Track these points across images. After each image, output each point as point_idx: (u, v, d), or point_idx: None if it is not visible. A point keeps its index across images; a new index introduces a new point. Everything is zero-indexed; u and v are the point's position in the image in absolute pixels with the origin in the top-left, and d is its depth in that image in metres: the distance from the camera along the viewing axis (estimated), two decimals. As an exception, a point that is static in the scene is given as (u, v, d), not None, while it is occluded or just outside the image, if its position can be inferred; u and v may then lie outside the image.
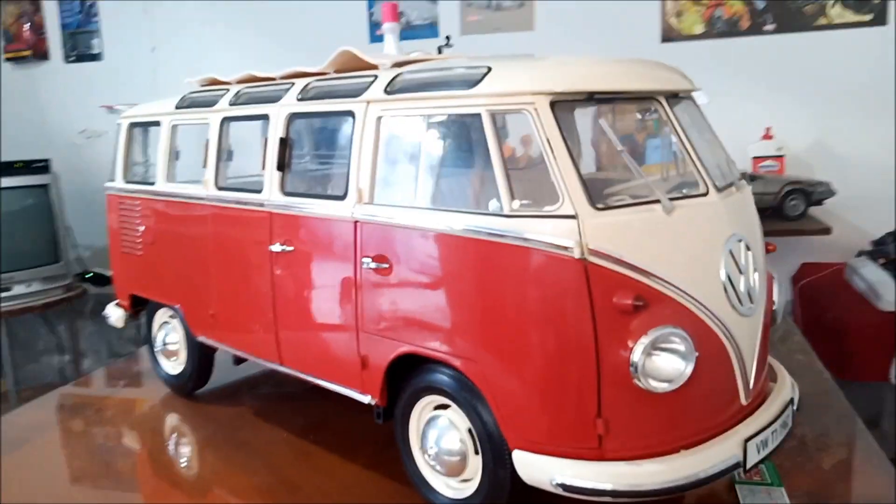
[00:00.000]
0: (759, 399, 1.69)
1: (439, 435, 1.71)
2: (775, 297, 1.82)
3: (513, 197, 1.49)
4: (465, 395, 1.63)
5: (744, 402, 1.62)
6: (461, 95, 1.57)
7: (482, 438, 1.62)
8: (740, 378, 1.60)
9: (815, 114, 4.62)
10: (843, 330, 4.68)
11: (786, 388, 1.76)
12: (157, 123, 2.48)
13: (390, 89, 1.73)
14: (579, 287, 1.42)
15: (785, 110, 4.70)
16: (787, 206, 4.56)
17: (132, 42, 5.63)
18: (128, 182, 2.63)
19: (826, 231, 4.39)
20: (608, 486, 1.43)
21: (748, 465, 1.53)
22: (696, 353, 1.46)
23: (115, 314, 2.76)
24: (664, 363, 1.45)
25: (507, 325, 1.52)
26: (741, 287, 1.59)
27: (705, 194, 1.61)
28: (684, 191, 1.61)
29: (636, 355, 1.43)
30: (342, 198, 1.80)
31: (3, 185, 5.21)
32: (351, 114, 1.79)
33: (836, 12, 4.33)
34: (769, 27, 4.44)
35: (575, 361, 1.45)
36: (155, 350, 2.66)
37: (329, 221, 1.84)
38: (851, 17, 4.32)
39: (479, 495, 1.65)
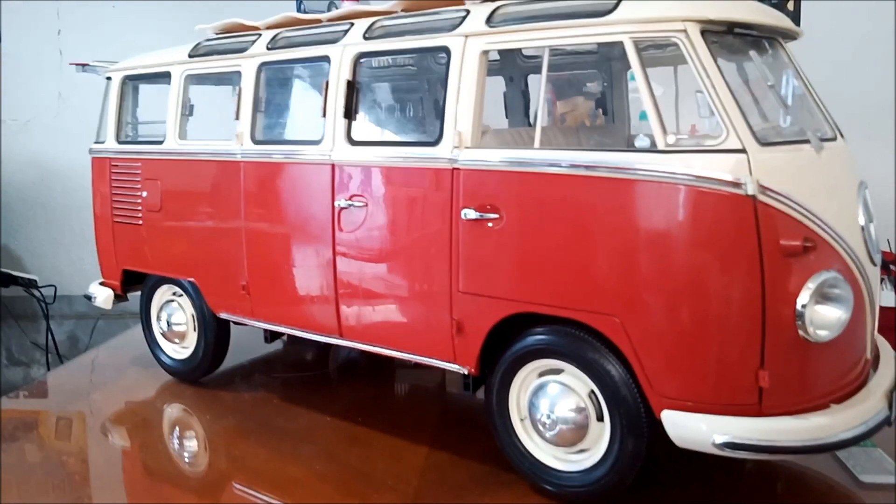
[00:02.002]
0: (875, 352, 1.64)
1: (552, 402, 1.56)
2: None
3: (665, 131, 1.36)
4: (591, 355, 1.48)
5: (868, 355, 1.56)
6: (595, 24, 1.43)
7: (611, 403, 1.48)
8: (869, 329, 1.54)
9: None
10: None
11: (888, 347, 1.72)
12: (163, 75, 2.19)
13: (494, 22, 1.57)
14: (748, 226, 1.31)
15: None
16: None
17: (35, 24, 5.11)
18: (122, 143, 2.32)
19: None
20: (775, 443, 1.33)
21: (892, 418, 1.47)
22: (853, 300, 1.38)
23: (101, 294, 2.42)
24: (827, 310, 1.36)
25: (658, 272, 1.38)
26: (872, 234, 1.54)
27: (834, 139, 1.55)
28: (818, 133, 1.53)
29: (803, 301, 1.33)
30: (434, 143, 1.61)
31: None
32: (445, 49, 1.61)
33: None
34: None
35: (739, 308, 1.34)
36: (155, 333, 2.35)
37: (415, 170, 1.65)
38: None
39: (605, 465, 1.51)
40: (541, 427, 1.57)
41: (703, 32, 1.38)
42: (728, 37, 1.46)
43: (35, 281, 4.62)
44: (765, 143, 1.35)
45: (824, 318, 1.36)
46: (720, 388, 1.37)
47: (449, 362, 1.68)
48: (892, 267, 3.87)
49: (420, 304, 1.69)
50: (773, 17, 1.54)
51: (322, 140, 1.80)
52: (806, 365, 1.39)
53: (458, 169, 1.58)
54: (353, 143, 1.76)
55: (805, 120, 1.54)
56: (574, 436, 1.54)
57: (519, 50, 1.98)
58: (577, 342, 1.50)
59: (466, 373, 1.67)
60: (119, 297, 2.43)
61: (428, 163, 1.62)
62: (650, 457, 1.49)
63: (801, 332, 1.34)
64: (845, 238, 1.42)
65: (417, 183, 1.65)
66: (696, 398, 1.38)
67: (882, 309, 3.23)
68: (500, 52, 1.88)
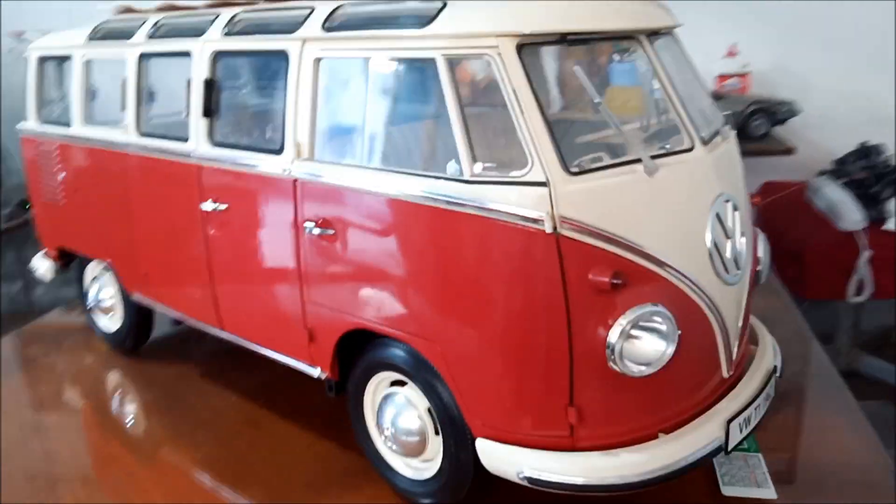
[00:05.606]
0: (741, 367, 1.57)
1: (396, 413, 1.56)
2: (761, 254, 1.67)
3: (474, 159, 1.29)
4: (424, 373, 1.47)
5: (726, 375, 1.49)
6: (413, 36, 1.33)
7: (443, 420, 1.47)
8: (723, 350, 1.47)
9: (780, 32, 4.46)
10: (802, 249, 4.70)
11: (768, 354, 1.64)
12: (68, 58, 2.18)
13: (330, 25, 1.48)
14: (551, 263, 1.25)
15: (749, 26, 4.52)
16: (750, 126, 4.48)
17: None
18: (43, 123, 2.34)
19: (789, 151, 4.34)
20: (580, 481, 1.30)
21: (730, 447, 1.42)
22: (679, 332, 1.31)
23: (42, 266, 2.53)
24: (644, 345, 1.29)
25: (470, 303, 1.34)
26: (727, 253, 1.44)
27: (691, 149, 1.43)
28: (667, 146, 1.42)
29: (613, 338, 1.27)
30: (278, 152, 1.57)
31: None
32: (284, 54, 1.54)
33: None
34: (736, -62, 4.18)
35: (545, 345, 1.29)
36: (89, 306, 2.44)
37: (265, 178, 1.62)
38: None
39: (441, 478, 1.52)
40: (384, 437, 1.59)
41: (521, 47, 1.28)
42: (562, 45, 1.35)
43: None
44: (578, 172, 1.26)
45: (641, 354, 1.30)
46: (530, 421, 1.35)
47: (309, 365, 1.70)
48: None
49: (280, 309, 1.70)
50: (625, 18, 1.41)
51: (189, 139, 1.78)
52: (624, 398, 1.34)
53: (297, 180, 1.54)
54: (214, 144, 1.73)
55: (651, 128, 1.43)
56: (417, 447, 1.55)
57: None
58: (414, 359, 1.49)
59: (325, 378, 1.68)
60: (60, 269, 2.53)
61: (273, 172, 1.59)
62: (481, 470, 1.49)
63: (614, 368, 1.29)
64: (679, 265, 1.34)
65: (268, 191, 1.63)
66: (508, 429, 1.36)
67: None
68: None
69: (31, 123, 2.37)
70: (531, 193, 1.24)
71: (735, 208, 1.47)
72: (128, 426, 2.06)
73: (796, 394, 2.02)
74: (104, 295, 2.36)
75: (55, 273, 2.53)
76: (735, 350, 1.50)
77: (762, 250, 1.67)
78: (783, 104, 4.49)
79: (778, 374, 1.62)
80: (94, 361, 2.43)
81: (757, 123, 4.48)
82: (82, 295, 2.48)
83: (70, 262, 2.52)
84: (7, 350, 2.61)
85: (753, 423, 1.48)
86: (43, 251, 2.56)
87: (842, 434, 1.84)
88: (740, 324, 1.51)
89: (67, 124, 2.23)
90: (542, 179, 1.23)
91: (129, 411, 2.14)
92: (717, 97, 4.42)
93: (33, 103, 2.35)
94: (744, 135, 4.46)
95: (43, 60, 2.32)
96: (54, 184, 2.31)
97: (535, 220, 1.23)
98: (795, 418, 1.93)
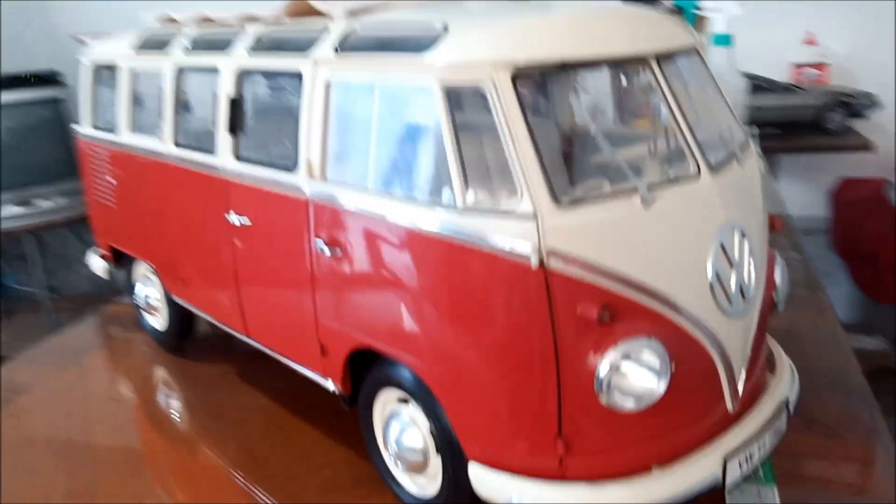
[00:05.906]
0: (750, 399, 1.52)
1: (401, 430, 1.59)
2: (778, 282, 1.62)
3: (467, 188, 1.29)
4: (425, 395, 1.49)
5: (730, 409, 1.46)
6: (411, 64, 1.35)
7: (442, 441, 1.50)
8: (727, 384, 1.43)
9: (861, 18, 4.23)
10: (879, 251, 4.47)
11: (783, 384, 1.59)
12: (116, 66, 2.28)
13: (341, 47, 1.51)
14: (538, 296, 1.24)
15: (828, 13, 4.30)
16: (827, 119, 4.28)
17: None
18: (95, 128, 2.47)
19: (867, 147, 4.13)
20: (573, 515, 1.31)
21: (728, 484, 1.39)
22: (672, 369, 1.29)
23: (97, 264, 2.67)
24: (633, 380, 1.28)
25: (463, 330, 1.35)
26: (732, 285, 1.40)
27: (696, 176, 1.39)
28: (671, 173, 1.38)
29: (602, 372, 1.26)
30: (292, 171, 1.62)
31: (13, 99, 5.14)
32: (299, 74, 1.58)
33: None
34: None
35: (533, 375, 1.30)
36: (136, 304, 2.57)
37: (281, 196, 1.67)
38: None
39: (441, 497, 1.55)
40: (388, 453, 1.63)
41: (516, 77, 1.27)
42: (563, 73, 1.33)
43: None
44: (571, 203, 1.25)
45: (630, 389, 1.28)
46: (520, 450, 1.35)
47: (322, 378, 1.75)
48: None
49: (296, 322, 1.75)
50: (631, 41, 1.37)
51: (216, 152, 1.84)
52: (616, 430, 1.33)
53: (309, 200, 1.58)
54: (239, 159, 1.79)
55: (659, 152, 1.40)
56: (419, 465, 1.58)
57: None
58: (417, 381, 1.51)
59: (338, 391, 1.73)
60: (116, 267, 2.66)
61: (288, 189, 1.64)
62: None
63: (603, 402, 1.29)
64: (675, 299, 1.31)
65: (284, 208, 1.67)
66: (500, 455, 1.37)
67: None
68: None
69: (84, 128, 2.50)
70: (520, 226, 1.23)
71: (743, 236, 1.43)
72: (166, 423, 2.17)
73: (818, 397, 1.95)
74: (151, 294, 2.48)
75: (109, 271, 2.66)
76: (741, 383, 1.46)
77: (779, 277, 1.61)
78: (863, 96, 4.30)
79: (792, 410, 1.56)
80: (150, 352, 2.56)
81: (834, 116, 4.29)
82: (131, 290, 2.60)
83: (123, 259, 2.65)
84: (86, 331, 2.82)
85: (757, 459, 1.45)
86: (97, 250, 2.69)
87: (849, 433, 1.78)
88: (748, 356, 1.47)
89: (114, 130, 2.34)
90: (531, 212, 1.23)
91: (172, 407, 2.26)
92: (792, 88, 4.24)
93: (86, 108, 2.47)
94: (820, 128, 4.28)
95: (94, 66, 2.43)
96: (105, 186, 2.44)
97: (521, 255, 1.23)
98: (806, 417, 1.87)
